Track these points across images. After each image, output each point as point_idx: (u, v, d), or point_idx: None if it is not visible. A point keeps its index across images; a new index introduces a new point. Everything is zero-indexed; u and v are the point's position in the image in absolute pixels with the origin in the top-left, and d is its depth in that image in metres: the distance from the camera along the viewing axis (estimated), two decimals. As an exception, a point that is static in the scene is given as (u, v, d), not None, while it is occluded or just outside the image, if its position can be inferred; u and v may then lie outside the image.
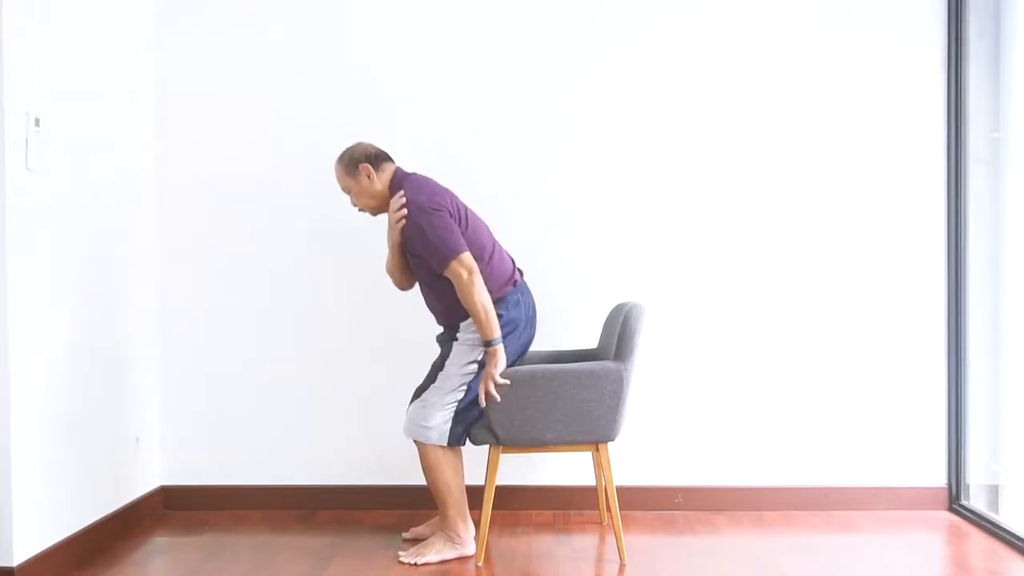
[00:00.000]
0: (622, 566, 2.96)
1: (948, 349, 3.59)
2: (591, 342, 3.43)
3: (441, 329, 3.12)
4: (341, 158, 3.05)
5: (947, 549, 3.23)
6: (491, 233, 3.09)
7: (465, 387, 2.95)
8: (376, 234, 3.58)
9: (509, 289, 3.02)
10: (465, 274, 2.85)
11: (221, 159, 3.63)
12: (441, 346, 3.10)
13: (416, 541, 3.17)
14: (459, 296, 2.88)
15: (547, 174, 3.63)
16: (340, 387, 3.62)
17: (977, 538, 3.24)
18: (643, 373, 3.46)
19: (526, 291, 3.10)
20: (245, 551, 3.13)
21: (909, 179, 3.62)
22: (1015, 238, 3.41)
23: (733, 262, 3.62)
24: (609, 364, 2.94)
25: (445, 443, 2.93)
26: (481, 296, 2.86)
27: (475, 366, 2.95)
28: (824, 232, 3.62)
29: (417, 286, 3.14)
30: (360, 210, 3.09)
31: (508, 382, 2.90)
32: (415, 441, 2.97)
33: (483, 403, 2.90)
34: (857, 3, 3.61)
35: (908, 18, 3.60)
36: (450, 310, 2.99)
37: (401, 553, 3.02)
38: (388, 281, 3.57)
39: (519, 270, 3.13)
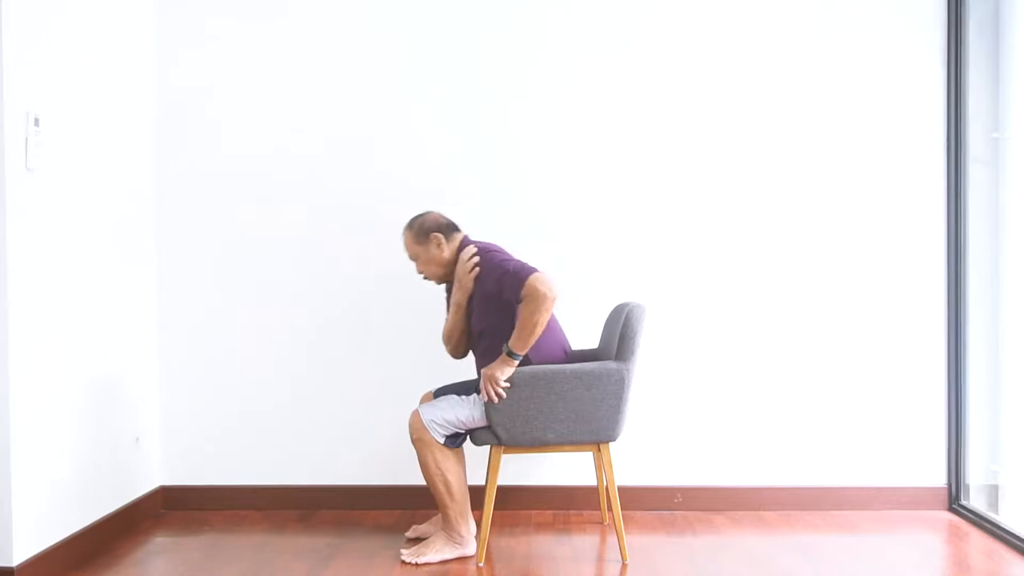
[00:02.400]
0: (624, 566, 2.96)
1: (948, 349, 3.59)
2: (591, 342, 3.43)
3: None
4: (411, 225, 3.09)
5: (947, 549, 3.23)
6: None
7: (483, 410, 2.95)
8: (377, 234, 3.59)
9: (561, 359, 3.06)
10: (543, 288, 2.80)
11: (221, 159, 3.62)
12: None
13: (419, 539, 3.17)
14: (523, 307, 2.83)
15: (546, 174, 3.63)
16: (340, 387, 3.62)
17: (977, 538, 3.25)
18: (643, 373, 3.46)
19: None
20: (245, 551, 3.12)
21: (909, 179, 3.62)
22: (1015, 238, 3.42)
23: (732, 262, 3.62)
24: (611, 364, 2.94)
25: (442, 441, 2.93)
26: (541, 317, 2.82)
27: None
28: (824, 232, 3.62)
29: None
30: (425, 278, 3.13)
31: (504, 393, 2.89)
32: (414, 442, 2.96)
33: (494, 399, 2.89)
34: (857, 3, 3.61)
35: (908, 18, 3.61)
36: (497, 347, 2.96)
37: (403, 551, 3.02)
38: (388, 281, 3.59)
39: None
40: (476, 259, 2.97)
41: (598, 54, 3.62)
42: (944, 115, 3.60)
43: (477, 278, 2.97)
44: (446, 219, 3.11)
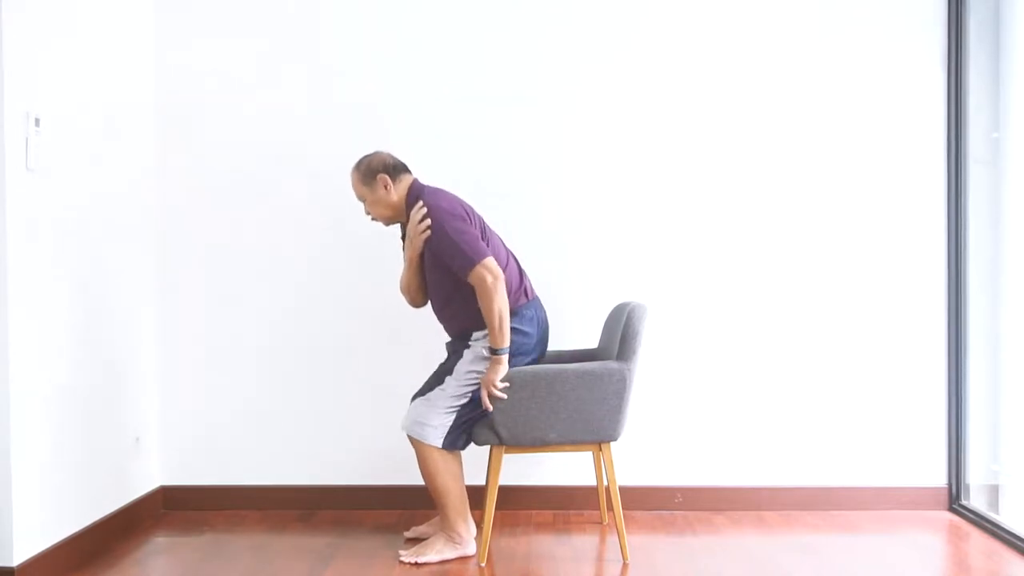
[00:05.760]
0: (624, 565, 2.96)
1: (948, 349, 3.59)
2: (591, 342, 3.43)
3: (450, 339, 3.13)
4: (358, 166, 3.03)
5: (947, 549, 3.23)
6: (505, 245, 3.10)
7: (470, 394, 2.94)
8: (377, 234, 3.59)
9: (523, 302, 3.03)
10: (490, 279, 2.83)
11: (221, 159, 3.62)
12: (450, 353, 3.10)
13: (418, 540, 3.17)
14: (480, 301, 2.86)
15: (546, 174, 3.63)
16: (340, 387, 3.62)
17: (977, 538, 3.25)
18: (642, 373, 3.45)
19: (540, 307, 3.11)
20: (245, 551, 3.12)
21: (909, 179, 3.62)
22: (1015, 238, 3.42)
23: (732, 262, 3.62)
24: (612, 364, 2.94)
25: (440, 445, 2.93)
26: (501, 303, 2.84)
27: (481, 375, 2.94)
28: (824, 232, 3.62)
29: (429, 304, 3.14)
30: (373, 219, 3.09)
31: (504, 394, 2.88)
32: (412, 442, 2.96)
33: (489, 407, 2.89)
34: (857, 3, 3.61)
35: (908, 18, 3.61)
36: (463, 320, 2.99)
37: (402, 552, 3.02)
38: (388, 281, 3.58)
39: (531, 286, 3.13)
40: (427, 221, 2.91)
41: (598, 55, 3.62)
42: (944, 115, 3.60)
43: (427, 240, 2.93)
44: (394, 159, 3.04)
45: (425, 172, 3.60)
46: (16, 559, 2.66)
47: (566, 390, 2.90)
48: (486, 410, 2.90)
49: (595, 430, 2.94)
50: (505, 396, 2.88)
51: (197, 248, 3.62)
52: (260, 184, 3.62)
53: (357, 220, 3.59)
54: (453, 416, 2.94)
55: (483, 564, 2.94)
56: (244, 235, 3.62)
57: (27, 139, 2.68)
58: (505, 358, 2.88)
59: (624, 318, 3.02)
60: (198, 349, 3.62)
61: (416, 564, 2.94)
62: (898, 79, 3.61)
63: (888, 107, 3.62)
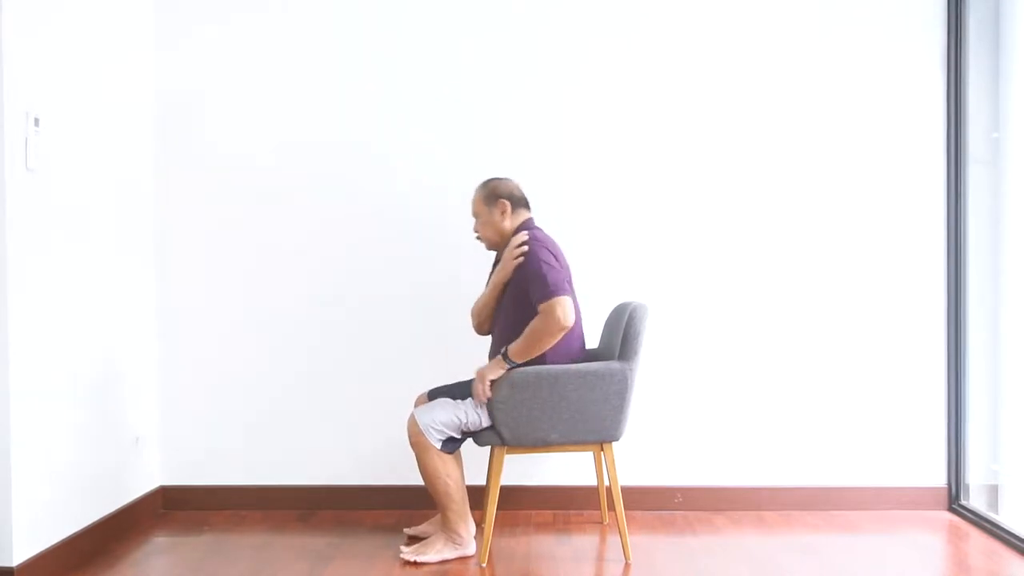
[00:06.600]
0: (627, 565, 2.96)
1: (948, 349, 3.59)
2: (592, 342, 3.42)
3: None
4: (485, 184, 3.10)
5: (947, 549, 3.23)
6: (582, 327, 3.09)
7: (487, 422, 2.94)
8: (376, 232, 3.59)
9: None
10: (559, 313, 2.80)
11: (221, 159, 3.62)
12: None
13: (418, 538, 3.17)
14: (532, 323, 2.83)
15: (548, 174, 3.62)
16: (340, 387, 3.62)
17: (977, 538, 3.25)
18: (642, 373, 3.45)
19: None
20: (245, 551, 3.12)
21: (909, 179, 3.62)
22: (1015, 238, 3.42)
23: (732, 262, 3.62)
24: (614, 364, 2.94)
25: (440, 447, 2.93)
26: (547, 341, 2.83)
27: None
28: (824, 232, 3.62)
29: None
30: (478, 238, 3.13)
31: (489, 393, 2.88)
32: (413, 444, 2.95)
33: (480, 398, 2.89)
34: (857, 3, 3.61)
35: (908, 18, 3.61)
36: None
37: (403, 548, 3.02)
38: (388, 283, 3.59)
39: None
40: (524, 248, 2.94)
41: (598, 54, 3.62)
42: (944, 115, 3.60)
43: (518, 266, 2.95)
44: (520, 192, 3.11)
45: (425, 172, 3.61)
46: (16, 559, 2.66)
47: (568, 390, 2.90)
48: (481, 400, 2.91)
49: (597, 430, 2.94)
50: (490, 395, 2.88)
51: (197, 248, 3.62)
52: (260, 184, 3.62)
53: (358, 219, 3.60)
54: (458, 431, 2.95)
55: (483, 564, 2.94)
56: (244, 235, 3.62)
57: (27, 139, 2.68)
58: (507, 368, 2.88)
59: (626, 318, 3.02)
60: (198, 349, 3.62)
61: (416, 563, 2.94)
62: (898, 79, 3.62)
63: (888, 107, 3.62)
